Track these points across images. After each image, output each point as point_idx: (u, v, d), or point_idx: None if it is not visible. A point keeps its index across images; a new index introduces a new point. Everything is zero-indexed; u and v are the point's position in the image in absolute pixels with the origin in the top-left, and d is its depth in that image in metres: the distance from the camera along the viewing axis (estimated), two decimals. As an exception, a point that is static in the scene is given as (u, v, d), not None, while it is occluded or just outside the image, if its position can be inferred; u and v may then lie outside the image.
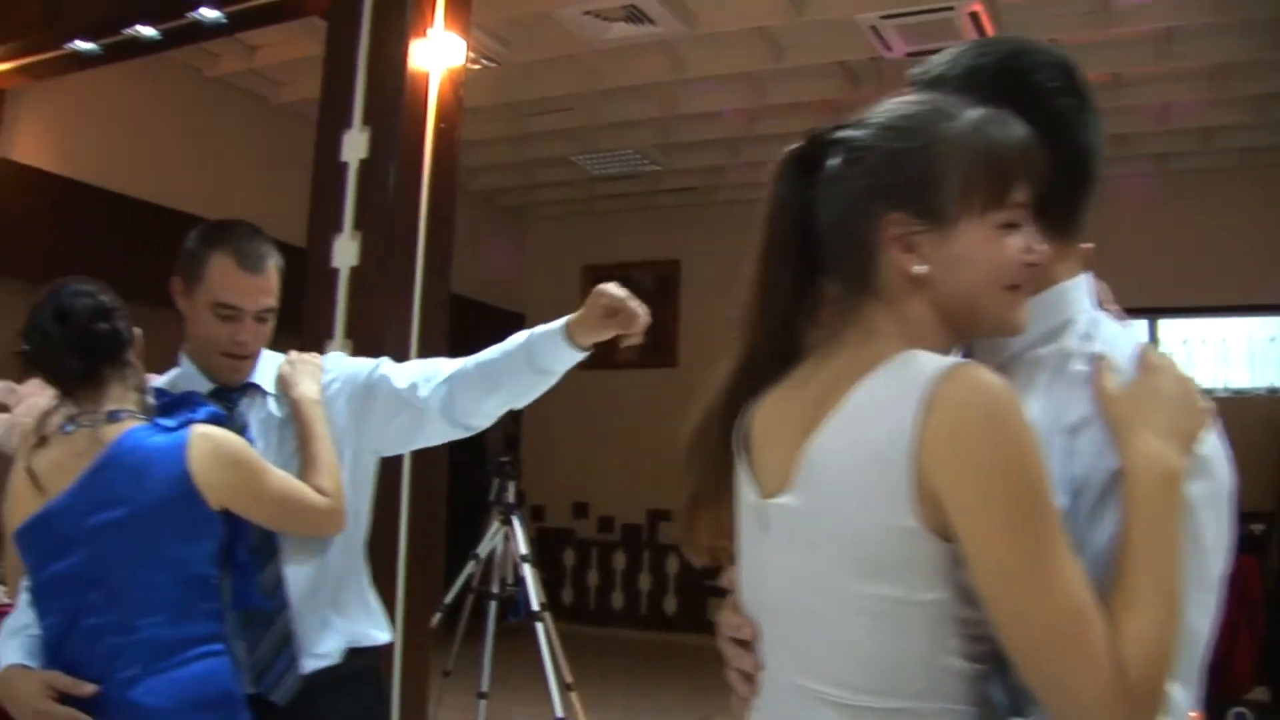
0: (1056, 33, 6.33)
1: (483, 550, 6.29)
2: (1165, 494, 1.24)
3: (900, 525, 1.23)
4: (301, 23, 5.88)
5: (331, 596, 2.51)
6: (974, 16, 6.59)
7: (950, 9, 6.53)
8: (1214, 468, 1.31)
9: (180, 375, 2.58)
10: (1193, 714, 1.27)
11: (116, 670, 2.18)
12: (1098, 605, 1.18)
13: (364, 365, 2.63)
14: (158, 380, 2.53)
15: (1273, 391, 9.36)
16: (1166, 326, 9.63)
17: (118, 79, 6.77)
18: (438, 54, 4.50)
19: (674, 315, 11.18)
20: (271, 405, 2.55)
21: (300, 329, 4.13)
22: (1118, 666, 1.16)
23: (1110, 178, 1.51)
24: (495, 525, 6.31)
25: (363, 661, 2.58)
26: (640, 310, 2.42)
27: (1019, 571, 1.18)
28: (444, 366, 2.56)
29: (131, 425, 2.30)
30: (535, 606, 5.90)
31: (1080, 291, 1.47)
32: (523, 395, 2.55)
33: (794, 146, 1.46)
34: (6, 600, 4.38)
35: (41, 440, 2.32)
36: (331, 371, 2.62)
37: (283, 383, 2.55)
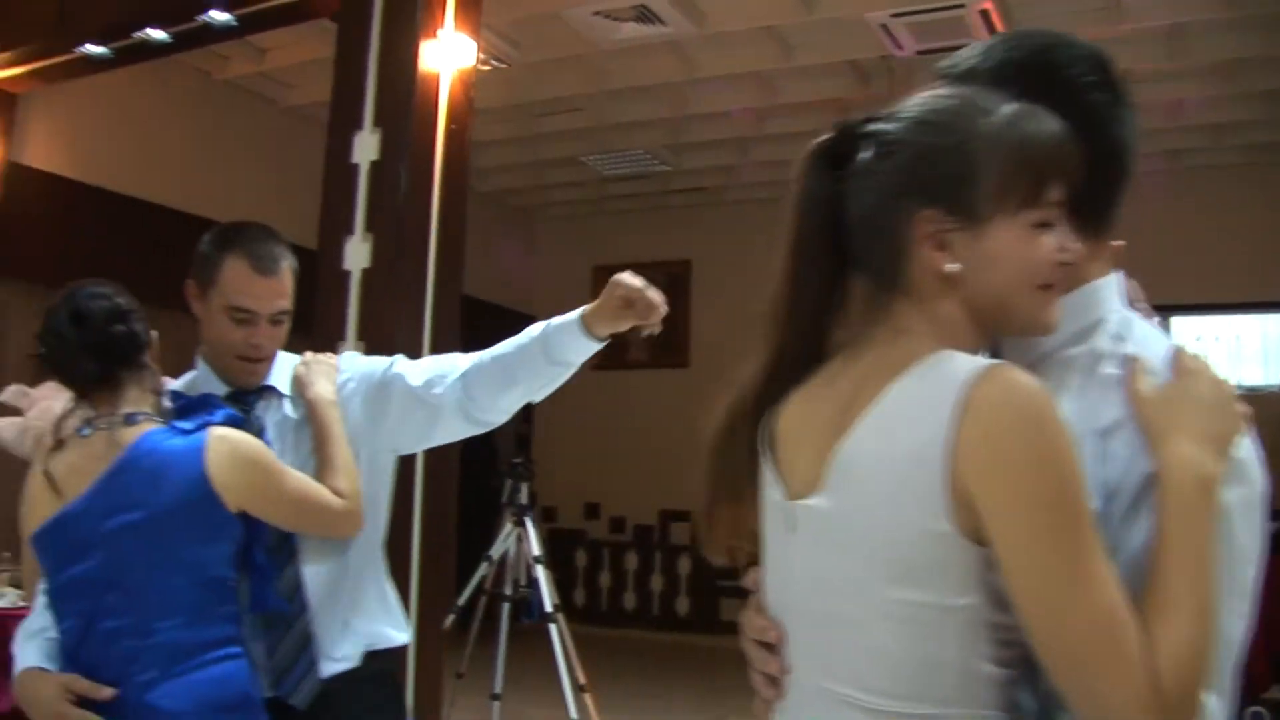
0: (1067, 29, 6.28)
1: (495, 552, 6.29)
2: (1201, 500, 1.22)
3: (934, 529, 1.21)
4: (311, 25, 5.88)
5: (350, 597, 2.50)
6: (984, 14, 6.58)
7: (961, 6, 6.52)
8: (1249, 472, 1.29)
9: (196, 378, 2.57)
10: None
11: (134, 673, 2.18)
12: (1132, 612, 1.16)
13: (379, 364, 2.61)
14: (174, 383, 2.53)
15: (1286, 389, 9.33)
16: (1179, 324, 9.59)
17: (127, 82, 6.78)
18: (448, 55, 4.51)
19: (685, 315, 11.16)
20: (287, 407, 2.54)
21: (312, 331, 4.14)
22: (1152, 675, 1.14)
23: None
24: (508, 527, 6.31)
25: (380, 665, 2.57)
26: (658, 299, 2.39)
27: (1054, 577, 1.16)
28: (459, 362, 2.53)
29: (149, 428, 2.29)
30: (549, 608, 5.90)
31: (1111, 290, 1.44)
32: (539, 389, 2.51)
33: (822, 138, 1.42)
34: (22, 603, 4.39)
35: (59, 443, 2.32)
36: (346, 371, 2.60)
37: (298, 384, 2.54)
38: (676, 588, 11.14)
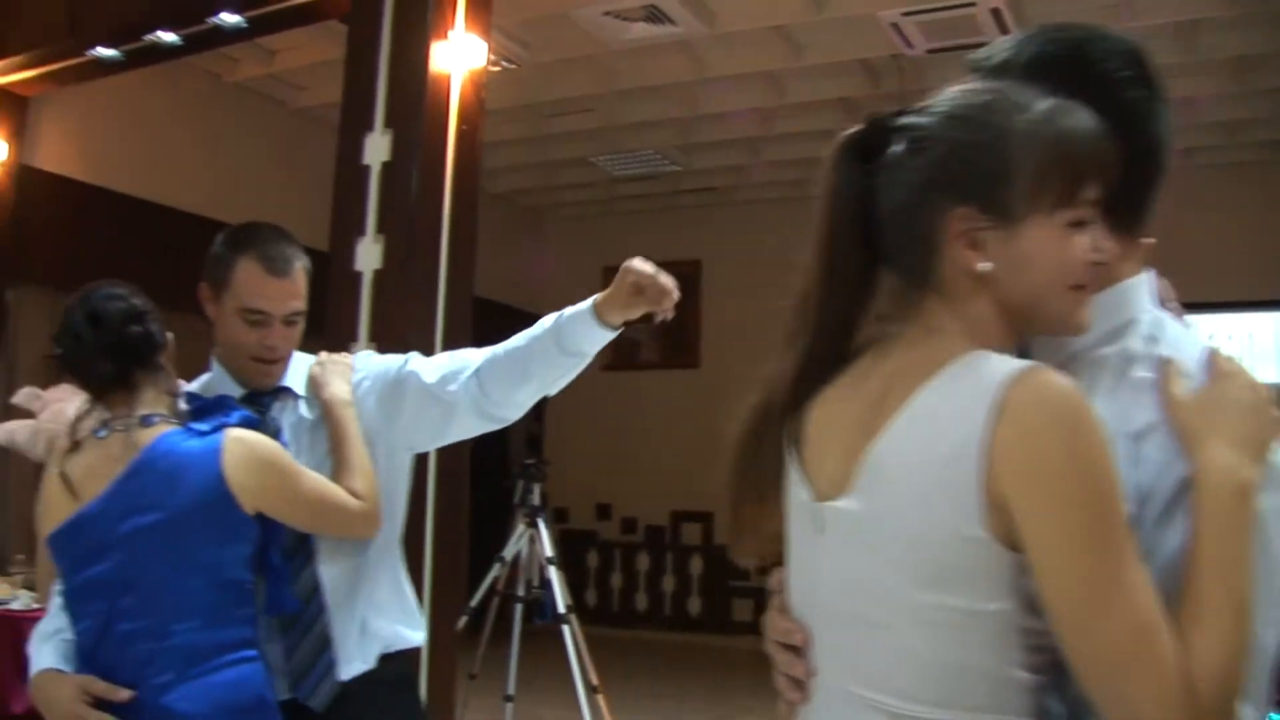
0: (1078, 25, 6.27)
1: (508, 553, 6.29)
2: (1237, 506, 1.19)
3: (967, 534, 1.19)
4: (320, 27, 5.88)
5: (368, 597, 2.49)
6: (995, 12, 6.56)
7: (972, 4, 6.50)
8: None
9: (211, 380, 2.57)
10: None
11: (150, 676, 2.17)
12: (1167, 619, 1.14)
13: (393, 362, 2.59)
14: (189, 385, 2.53)
15: (1301, 387, 9.27)
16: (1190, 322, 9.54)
17: (138, 85, 6.79)
18: (459, 56, 4.50)
19: (695, 316, 11.15)
20: (303, 408, 2.54)
21: (324, 333, 4.14)
22: (1186, 684, 1.12)
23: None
24: (520, 528, 6.31)
25: (399, 668, 2.56)
26: (669, 284, 2.36)
27: (1089, 584, 1.14)
28: (473, 358, 2.50)
29: (165, 430, 2.29)
30: (561, 609, 5.90)
31: (1142, 290, 1.42)
32: (554, 381, 2.48)
33: (851, 131, 1.39)
34: (37, 605, 4.40)
35: (75, 445, 2.31)
36: (361, 370, 2.59)
37: (313, 384, 2.53)
38: (688, 588, 11.12)
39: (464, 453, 4.36)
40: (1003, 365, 1.22)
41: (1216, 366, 1.31)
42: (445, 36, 4.47)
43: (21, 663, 2.30)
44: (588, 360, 2.46)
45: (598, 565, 11.44)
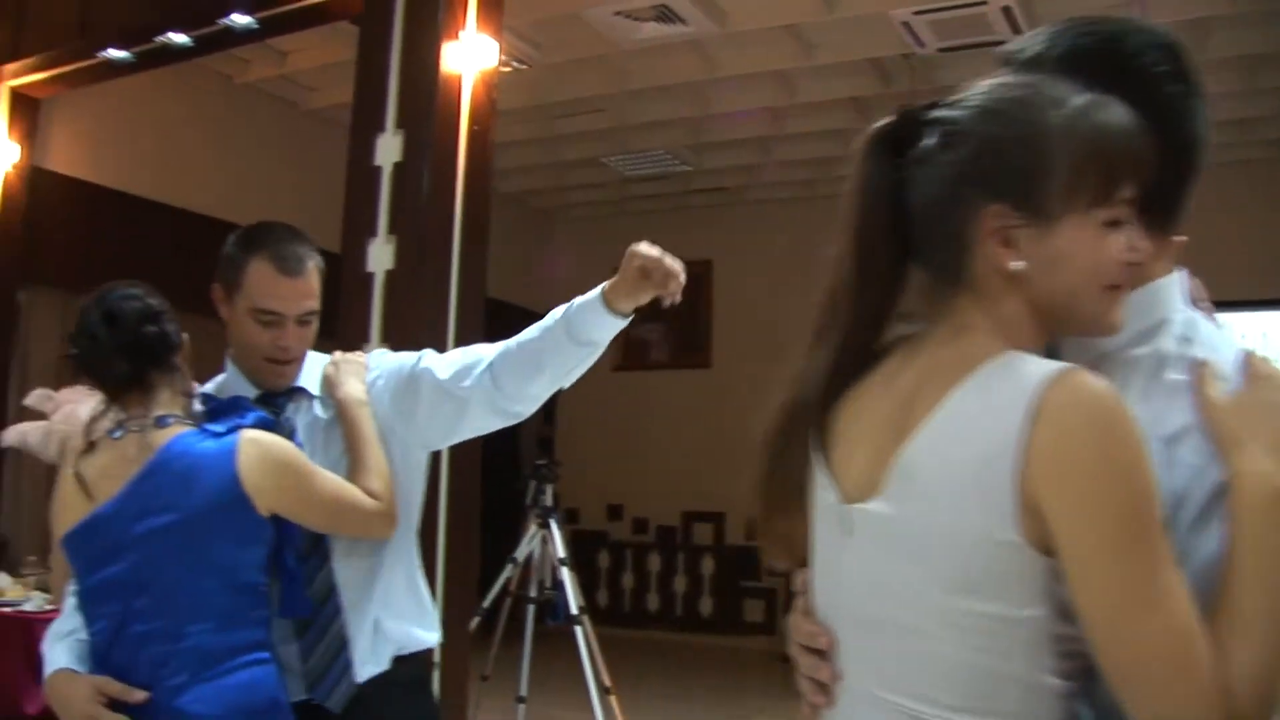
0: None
1: (520, 554, 6.29)
2: (1275, 513, 1.17)
3: (1000, 538, 1.17)
4: (331, 28, 5.88)
5: (382, 597, 2.48)
6: (1006, 11, 6.54)
7: (983, 3, 6.49)
8: None
9: (225, 381, 2.56)
10: None
11: (164, 678, 2.17)
12: (1203, 628, 1.12)
13: (407, 360, 2.58)
14: (204, 386, 2.52)
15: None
16: (1203, 321, 9.51)
17: (149, 86, 6.79)
18: (470, 56, 4.50)
19: (706, 316, 11.17)
20: (317, 408, 2.53)
21: (335, 334, 4.13)
22: (1223, 694, 1.10)
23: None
24: (533, 529, 6.30)
25: (413, 670, 2.55)
26: (675, 266, 2.32)
27: (1124, 593, 1.13)
28: (486, 352, 2.48)
29: (180, 430, 2.28)
30: (574, 610, 5.89)
31: (1174, 290, 1.39)
32: (567, 372, 2.45)
33: (882, 123, 1.37)
34: (50, 607, 4.40)
35: (90, 445, 2.31)
36: (375, 369, 2.58)
37: (328, 384, 2.52)
38: (699, 589, 11.11)
39: (475, 454, 4.36)
40: (1039, 367, 1.20)
41: (1252, 369, 1.28)
42: (456, 37, 4.47)
43: (35, 664, 2.30)
44: (599, 350, 2.43)
45: (609, 566, 11.44)
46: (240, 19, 5.20)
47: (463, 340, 4.15)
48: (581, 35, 7.28)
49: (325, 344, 2.63)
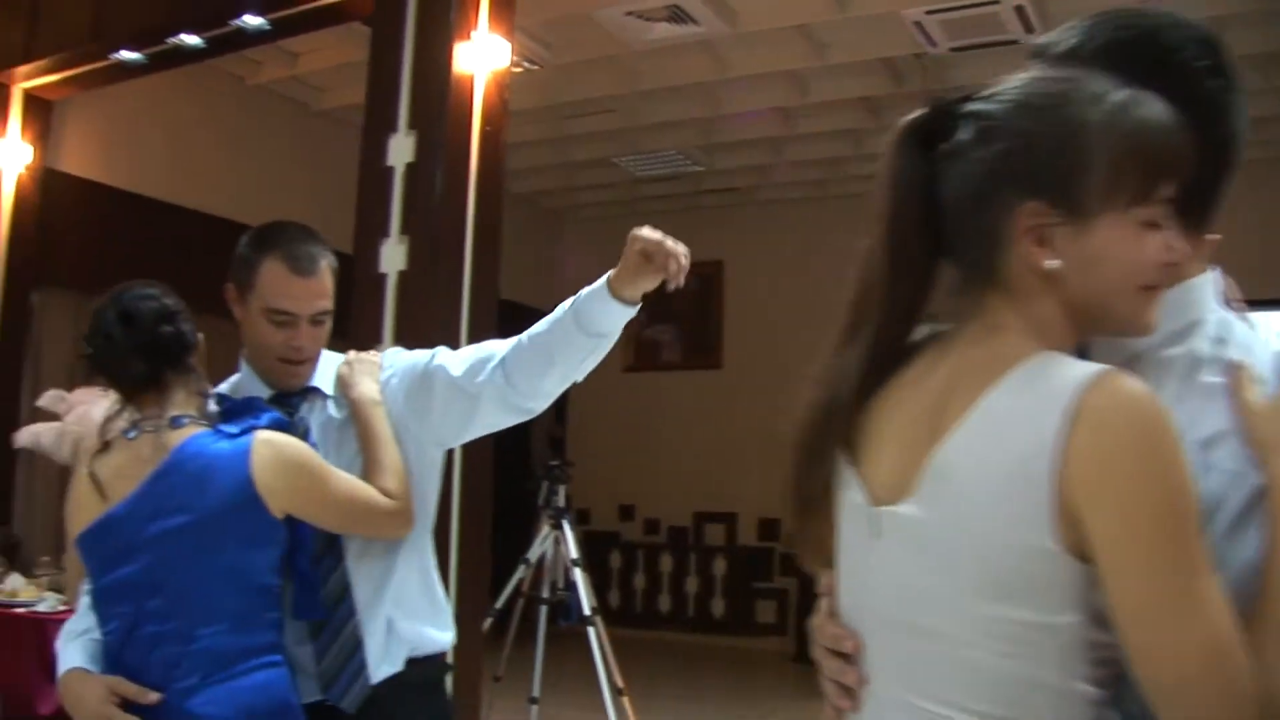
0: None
1: (533, 555, 6.28)
2: None
3: (1036, 545, 1.14)
4: (342, 29, 5.89)
5: (395, 597, 2.47)
6: (1019, 10, 6.52)
7: (996, 2, 6.47)
8: None
9: (239, 381, 2.55)
10: None
11: (176, 679, 2.16)
12: (1242, 639, 1.09)
13: (421, 357, 2.56)
14: (219, 386, 2.52)
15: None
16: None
17: (161, 88, 6.81)
18: (482, 57, 4.49)
19: (718, 316, 11.17)
20: (331, 408, 2.52)
21: (348, 335, 4.13)
22: (1260, 704, 1.08)
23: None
24: (545, 529, 6.29)
25: (426, 672, 2.55)
26: (678, 249, 2.28)
27: (1163, 601, 1.10)
28: (498, 348, 2.46)
29: (194, 431, 2.28)
30: (587, 611, 5.88)
31: (1208, 289, 1.36)
32: (578, 364, 2.41)
33: (915, 115, 1.33)
34: (63, 607, 4.41)
35: (105, 445, 2.30)
36: (389, 368, 2.57)
37: (341, 384, 2.51)
38: (711, 589, 11.10)
39: (487, 454, 4.36)
40: (1076, 369, 1.17)
41: None
42: (468, 37, 4.47)
43: (48, 664, 2.30)
44: (609, 340, 2.39)
45: (620, 566, 11.43)
46: (252, 20, 5.21)
47: (475, 340, 4.14)
48: (593, 35, 7.28)
49: (338, 344, 2.62)
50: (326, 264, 2.47)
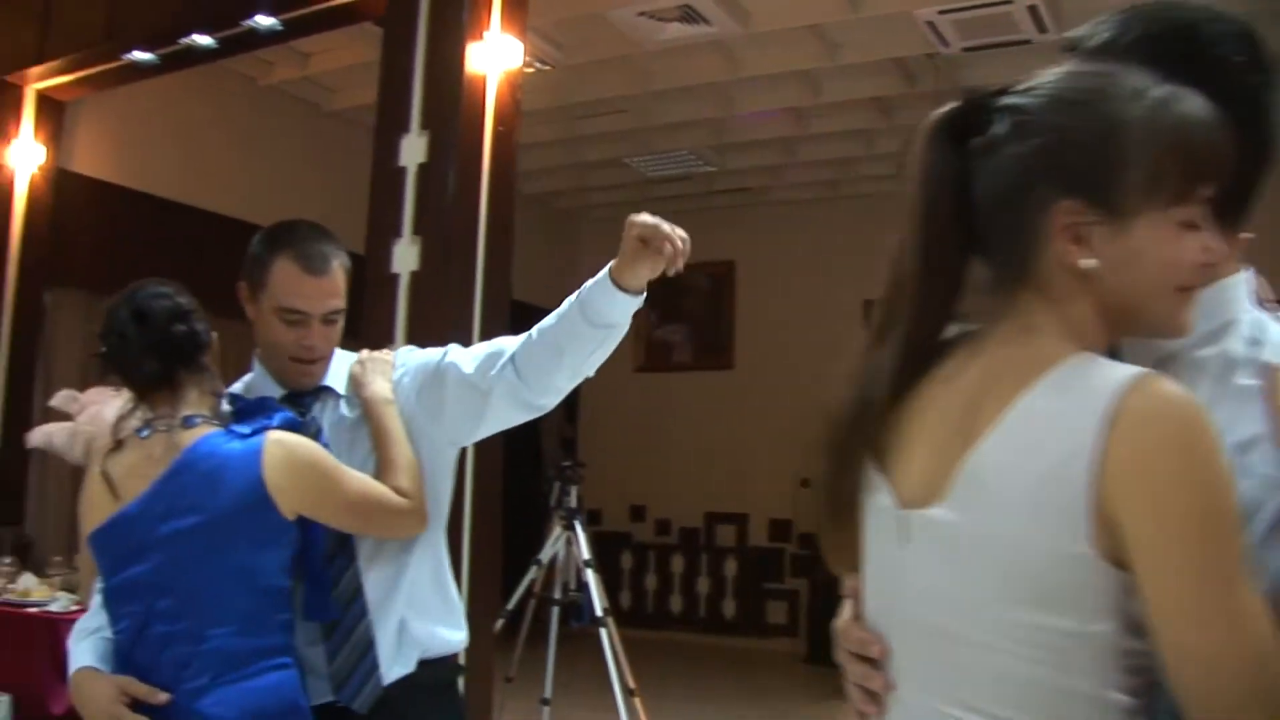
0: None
1: (545, 556, 6.28)
2: None
3: (1071, 551, 1.12)
4: (354, 29, 5.89)
5: (407, 597, 2.46)
6: (1032, 9, 6.50)
7: (1009, 2, 6.44)
8: None
9: (252, 381, 2.55)
10: None
11: (185, 680, 2.16)
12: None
13: (433, 355, 2.55)
14: (232, 386, 2.51)
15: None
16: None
17: (174, 88, 6.82)
18: (495, 57, 4.49)
19: (729, 317, 11.16)
20: (343, 407, 2.51)
21: (360, 335, 4.13)
22: None
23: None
24: (557, 530, 6.29)
25: (443, 674, 2.54)
26: (676, 232, 2.25)
27: (1203, 610, 1.07)
28: (509, 344, 2.45)
29: (207, 431, 2.27)
30: (599, 612, 5.88)
31: (1242, 289, 1.34)
32: (587, 358, 2.37)
33: (947, 108, 1.31)
34: (75, 607, 4.41)
35: (117, 444, 2.30)
36: (401, 366, 2.56)
37: (354, 383, 2.51)
38: (722, 590, 11.09)
39: (498, 455, 4.35)
40: (1115, 372, 1.15)
41: None
42: (481, 37, 4.46)
43: (61, 664, 2.30)
44: (615, 332, 2.35)
45: (632, 567, 11.43)
46: (264, 20, 5.20)
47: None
48: (605, 36, 7.27)
49: (350, 345, 2.62)
50: (339, 263, 2.47)
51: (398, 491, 2.35)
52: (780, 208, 10.92)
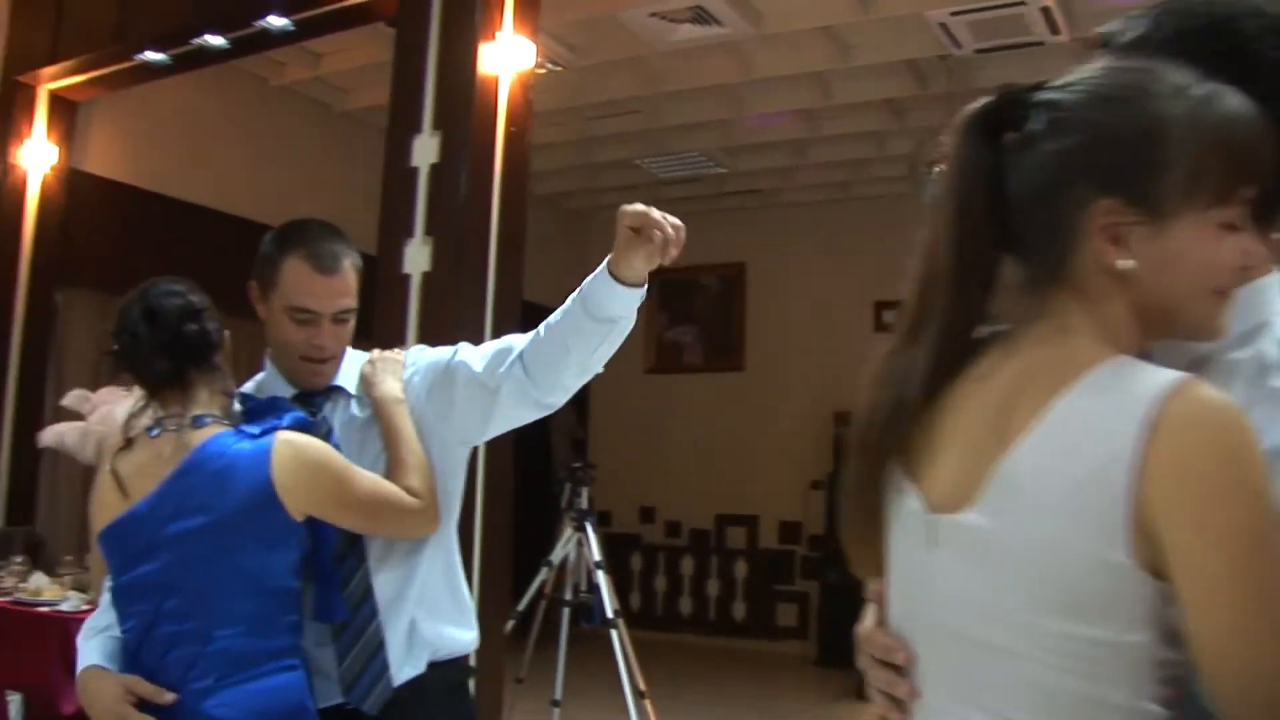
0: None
1: (556, 557, 6.27)
2: None
3: (1108, 559, 1.09)
4: (366, 30, 5.89)
5: (418, 598, 2.45)
6: (1045, 11, 6.48)
7: (1022, 4, 6.42)
8: None
9: (264, 380, 2.54)
10: None
11: (191, 680, 2.16)
12: None
13: (444, 354, 2.54)
14: (244, 386, 2.51)
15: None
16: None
17: (186, 89, 6.83)
18: (507, 57, 4.49)
19: (740, 318, 11.14)
20: (354, 407, 2.50)
21: (372, 336, 4.13)
22: None
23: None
24: (568, 532, 6.28)
25: (454, 676, 2.53)
26: (666, 220, 2.22)
27: (1246, 621, 1.04)
28: (517, 342, 2.44)
29: (216, 431, 2.27)
30: (610, 613, 5.87)
31: (1274, 291, 1.30)
32: (592, 354, 2.35)
33: (982, 102, 1.28)
34: (86, 606, 4.41)
35: (128, 442, 2.30)
36: (412, 365, 2.55)
37: (365, 382, 2.50)
38: (733, 592, 11.07)
39: (509, 456, 4.35)
40: (1155, 376, 1.12)
41: None
42: (493, 38, 4.46)
43: (72, 663, 2.29)
44: (619, 325, 2.33)
45: (641, 568, 11.41)
46: (276, 21, 5.21)
47: (499, 341, 4.15)
48: (616, 37, 7.26)
49: (362, 345, 2.61)
50: (350, 262, 2.46)
51: (408, 491, 2.34)
52: (791, 209, 10.90)
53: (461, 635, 2.55)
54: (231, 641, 2.17)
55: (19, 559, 5.07)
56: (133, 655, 2.22)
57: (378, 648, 2.38)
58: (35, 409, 6.15)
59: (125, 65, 5.95)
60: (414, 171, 4.39)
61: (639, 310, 2.34)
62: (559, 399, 2.46)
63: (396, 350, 2.61)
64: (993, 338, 1.29)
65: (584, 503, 6.34)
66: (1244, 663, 1.05)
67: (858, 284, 9.93)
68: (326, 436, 2.42)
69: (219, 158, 7.77)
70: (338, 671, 2.36)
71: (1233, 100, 1.20)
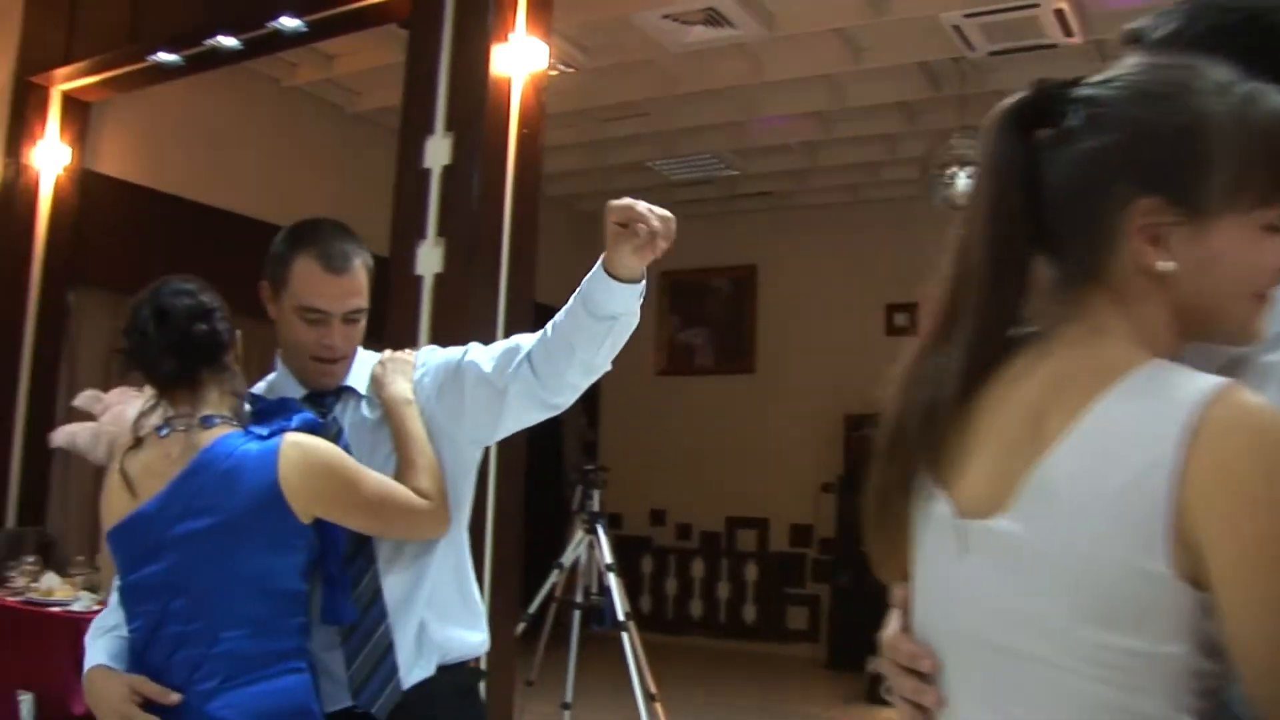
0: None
1: (567, 559, 6.26)
2: None
3: (1146, 569, 1.06)
4: (379, 31, 5.90)
5: (428, 599, 2.43)
6: (1059, 13, 6.46)
7: (1035, 5, 6.40)
8: None
9: (275, 381, 2.54)
10: None
11: (196, 681, 2.15)
12: None
13: (454, 355, 2.53)
14: (255, 386, 2.50)
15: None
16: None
17: (198, 90, 6.84)
18: (520, 59, 4.48)
19: (751, 320, 11.13)
20: (364, 407, 2.50)
21: (383, 337, 4.13)
22: None
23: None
24: (579, 534, 6.28)
25: (464, 679, 2.52)
26: (652, 213, 2.18)
27: None
28: (525, 341, 2.43)
29: (225, 431, 2.26)
30: (620, 616, 5.86)
31: None
32: (595, 351, 2.32)
33: (1017, 97, 1.24)
34: (97, 606, 4.41)
35: (137, 442, 2.30)
36: (422, 366, 2.54)
37: (375, 383, 2.49)
38: (743, 595, 11.06)
39: (520, 458, 4.34)
40: (1195, 382, 1.09)
41: None
42: (506, 39, 4.46)
43: (82, 664, 2.29)
44: (621, 323, 2.30)
45: (652, 571, 11.40)
46: (289, 22, 5.22)
47: (511, 344, 4.15)
48: (629, 39, 7.26)
49: (373, 346, 2.60)
50: (360, 262, 2.45)
51: (418, 493, 2.33)
52: (803, 212, 10.89)
53: (471, 637, 2.54)
54: (237, 643, 2.17)
55: (31, 559, 5.08)
56: (139, 655, 2.22)
57: (387, 650, 2.37)
58: (47, 409, 6.16)
59: (138, 66, 5.96)
60: (426, 173, 4.39)
61: (649, 312, 2.32)
62: (567, 399, 2.44)
63: (407, 351, 2.60)
64: (1025, 339, 1.26)
65: (595, 505, 6.33)
66: None
67: (869, 286, 9.92)
68: (337, 437, 2.41)
69: (231, 159, 7.78)
70: (346, 674, 2.35)
71: (1276, 99, 1.17)
